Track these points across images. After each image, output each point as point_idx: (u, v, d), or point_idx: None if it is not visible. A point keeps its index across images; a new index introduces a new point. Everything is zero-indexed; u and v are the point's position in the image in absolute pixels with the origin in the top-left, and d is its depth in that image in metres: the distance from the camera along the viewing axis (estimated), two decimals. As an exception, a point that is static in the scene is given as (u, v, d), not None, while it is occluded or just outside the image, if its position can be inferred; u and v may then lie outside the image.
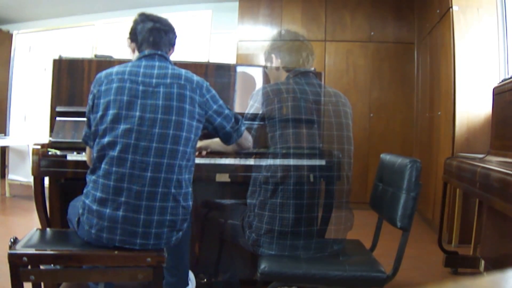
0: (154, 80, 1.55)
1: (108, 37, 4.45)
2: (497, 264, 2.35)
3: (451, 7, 3.26)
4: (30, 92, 4.66)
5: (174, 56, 1.78)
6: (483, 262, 2.51)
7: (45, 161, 1.85)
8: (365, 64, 4.69)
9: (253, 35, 4.85)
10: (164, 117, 1.51)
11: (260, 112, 1.78)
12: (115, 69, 1.59)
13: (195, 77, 1.63)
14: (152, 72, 1.57)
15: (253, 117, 1.81)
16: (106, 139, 1.50)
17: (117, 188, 1.48)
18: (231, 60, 4.84)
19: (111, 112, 1.51)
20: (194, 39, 4.18)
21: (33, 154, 1.85)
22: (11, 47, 4.83)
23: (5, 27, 5.76)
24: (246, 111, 1.84)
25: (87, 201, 1.52)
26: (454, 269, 2.65)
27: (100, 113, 1.53)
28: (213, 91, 1.67)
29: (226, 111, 1.69)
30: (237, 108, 2.30)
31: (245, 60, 4.77)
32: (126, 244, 1.50)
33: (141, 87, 1.53)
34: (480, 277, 0.47)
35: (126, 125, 1.49)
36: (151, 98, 1.52)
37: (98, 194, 1.50)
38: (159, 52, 1.64)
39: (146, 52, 1.64)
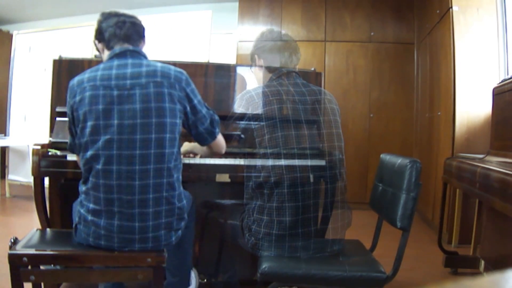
0: (128, 82, 1.46)
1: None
2: (497, 264, 2.35)
3: (451, 7, 3.26)
4: (30, 92, 4.66)
5: (174, 57, 1.77)
6: (483, 262, 2.51)
7: (45, 162, 1.85)
8: (365, 65, 4.69)
9: (253, 36, 4.80)
10: (144, 121, 1.44)
11: (245, 117, 1.77)
12: (86, 74, 1.51)
13: (173, 71, 1.53)
14: (125, 72, 1.48)
15: (241, 117, 1.80)
16: (88, 153, 1.45)
17: (108, 200, 1.45)
18: (231, 60, 4.84)
19: (89, 124, 1.44)
20: (194, 39, 4.18)
21: (33, 154, 1.85)
22: (11, 47, 4.83)
23: (5, 28, 5.76)
24: (228, 116, 1.83)
25: (82, 211, 1.51)
26: (454, 269, 2.65)
27: (80, 125, 1.47)
28: (193, 85, 1.58)
29: (203, 110, 1.59)
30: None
31: (245, 60, 4.76)
32: (125, 248, 1.50)
33: (115, 92, 1.45)
34: (480, 277, 0.47)
35: (105, 135, 1.43)
36: (127, 103, 1.44)
37: (91, 205, 1.48)
38: (131, 48, 1.55)
39: (117, 49, 1.54)
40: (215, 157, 1.87)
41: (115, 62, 1.51)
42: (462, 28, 3.24)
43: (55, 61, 2.22)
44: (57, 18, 5.67)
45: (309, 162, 1.74)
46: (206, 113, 1.61)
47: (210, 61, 2.76)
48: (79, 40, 4.55)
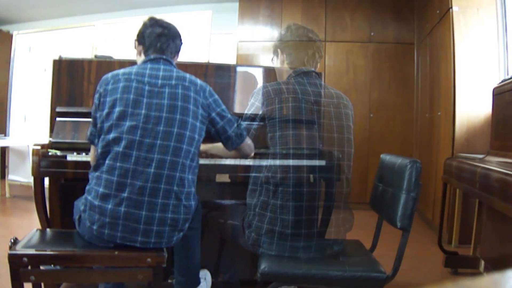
0: (159, 81, 1.59)
1: (108, 38, 4.45)
2: (497, 264, 2.35)
3: (451, 7, 3.26)
4: (30, 93, 4.67)
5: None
6: (483, 262, 2.51)
7: (45, 162, 1.85)
8: (365, 65, 4.69)
9: (253, 36, 4.85)
10: (169, 115, 1.55)
11: (260, 111, 1.77)
12: (121, 70, 1.64)
13: (199, 81, 1.68)
14: (157, 73, 1.61)
15: (253, 117, 1.80)
16: (111, 135, 1.53)
17: (120, 184, 1.50)
18: (231, 60, 4.84)
19: (117, 109, 1.54)
20: (194, 39, 4.18)
21: (33, 154, 1.85)
22: (11, 48, 4.83)
23: (5, 28, 5.76)
24: (246, 110, 1.83)
25: (89, 197, 1.53)
26: (454, 269, 2.65)
27: (106, 111, 1.57)
28: (216, 96, 1.71)
29: (229, 116, 1.72)
30: (237, 109, 2.30)
31: (245, 60, 4.77)
32: (127, 241, 1.50)
33: (147, 87, 1.57)
34: (480, 277, 0.47)
35: (131, 122, 1.53)
36: (156, 98, 1.56)
37: (101, 189, 1.51)
38: (164, 57, 1.69)
39: (152, 56, 1.69)
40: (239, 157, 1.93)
41: (149, 65, 1.66)
42: (462, 28, 3.24)
43: (55, 61, 2.22)
44: (57, 18, 5.67)
45: (317, 163, 1.74)
46: (232, 117, 1.73)
47: (210, 61, 2.76)
48: (79, 40, 4.56)
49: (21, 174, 4.69)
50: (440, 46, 3.64)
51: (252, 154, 1.87)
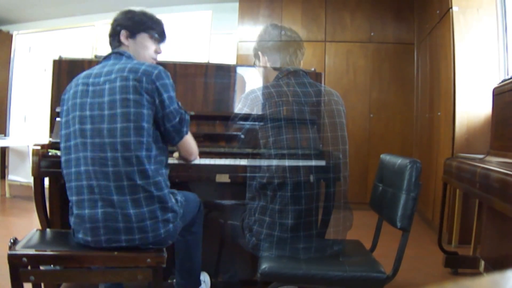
0: (101, 79, 1.56)
1: (108, 38, 4.45)
2: (497, 264, 2.35)
3: (451, 7, 3.26)
4: (30, 93, 4.66)
5: (174, 57, 1.76)
6: (483, 262, 2.51)
7: (45, 162, 1.85)
8: (365, 65, 4.69)
9: (253, 36, 4.82)
10: (110, 112, 1.51)
11: (250, 118, 1.75)
12: (80, 75, 1.64)
13: (144, 66, 1.55)
14: (102, 71, 1.58)
15: (244, 118, 1.78)
16: (70, 143, 1.54)
17: (89, 187, 1.49)
18: (231, 60, 4.84)
19: (70, 116, 1.56)
20: (194, 39, 4.18)
21: (33, 154, 1.85)
22: (11, 48, 4.83)
23: (5, 28, 5.77)
24: (233, 115, 1.81)
25: (70, 206, 1.57)
26: (454, 269, 2.65)
27: (63, 119, 1.58)
28: (167, 80, 1.56)
29: (172, 106, 1.56)
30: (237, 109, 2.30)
31: (245, 60, 4.76)
32: (112, 242, 1.48)
33: (90, 88, 1.55)
34: (480, 277, 0.47)
35: (81, 125, 1.52)
36: (98, 97, 1.53)
37: (74, 197, 1.52)
38: (115, 50, 1.67)
39: (108, 53, 1.69)
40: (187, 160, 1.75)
41: (100, 64, 1.64)
42: (462, 28, 3.24)
43: (55, 62, 2.22)
44: (57, 18, 5.67)
45: (313, 163, 1.73)
46: (174, 109, 1.57)
47: (210, 61, 2.76)
48: (79, 40, 4.56)
49: (21, 174, 4.68)
50: (440, 46, 3.64)
51: (193, 158, 1.72)
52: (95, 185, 1.49)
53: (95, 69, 1.60)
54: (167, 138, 1.61)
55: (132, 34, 1.69)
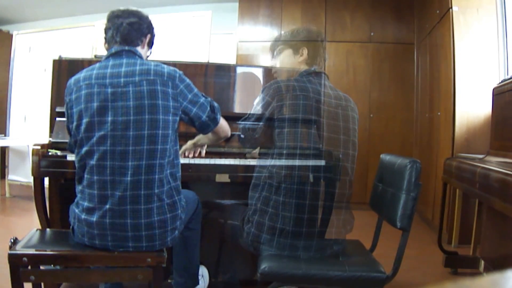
0: (122, 80, 1.49)
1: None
2: (497, 264, 2.35)
3: (451, 7, 3.27)
4: (30, 93, 4.66)
5: (174, 57, 1.77)
6: (483, 262, 2.51)
7: (45, 162, 1.85)
8: (365, 65, 4.69)
9: (253, 36, 4.85)
10: (137, 117, 1.46)
11: (270, 107, 1.77)
12: (82, 74, 1.55)
13: (166, 69, 1.55)
14: (119, 71, 1.51)
15: (259, 116, 1.80)
16: (83, 149, 1.49)
17: (102, 196, 1.47)
18: (231, 60, 4.84)
19: (84, 121, 1.48)
20: (194, 39, 4.18)
21: (33, 154, 1.85)
22: (11, 48, 4.83)
23: (5, 28, 5.77)
24: (255, 104, 1.83)
25: (76, 211, 1.53)
26: (454, 269, 2.65)
27: (75, 123, 1.51)
28: (187, 80, 1.59)
29: (201, 100, 1.61)
30: (237, 109, 2.30)
31: (245, 60, 4.77)
32: (119, 248, 1.50)
33: (109, 89, 1.48)
34: (480, 277, 0.47)
35: (100, 132, 1.46)
36: (121, 100, 1.47)
37: (86, 203, 1.50)
38: (127, 48, 1.57)
39: (113, 49, 1.58)
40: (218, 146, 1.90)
41: (110, 62, 1.55)
42: (462, 28, 3.24)
43: (55, 61, 2.22)
44: (57, 18, 5.67)
45: (322, 163, 1.75)
46: (204, 101, 1.62)
47: (210, 61, 2.76)
48: (79, 40, 4.55)
49: (21, 174, 4.68)
50: (440, 46, 3.64)
51: (229, 134, 1.80)
52: (109, 195, 1.46)
53: (108, 68, 1.52)
54: (204, 128, 1.65)
55: (151, 42, 1.70)
